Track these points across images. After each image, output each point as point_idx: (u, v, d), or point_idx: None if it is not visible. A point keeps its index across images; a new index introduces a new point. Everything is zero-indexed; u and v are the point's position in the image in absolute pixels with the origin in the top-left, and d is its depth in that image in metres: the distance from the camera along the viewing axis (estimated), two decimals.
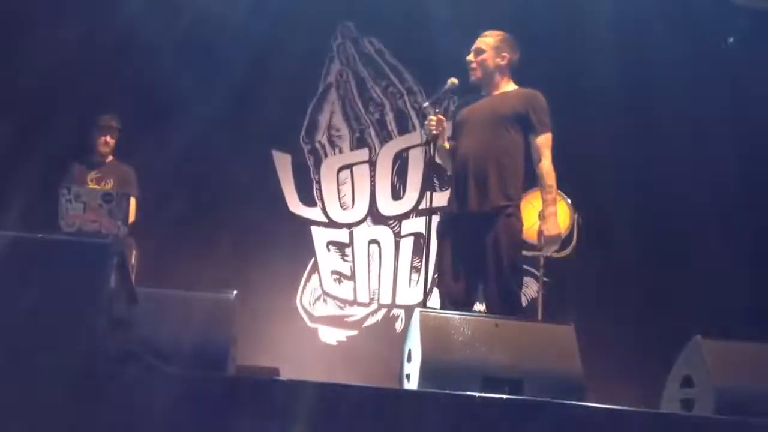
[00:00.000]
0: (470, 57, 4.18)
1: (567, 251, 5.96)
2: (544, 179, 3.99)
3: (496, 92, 4.16)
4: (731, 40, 6.45)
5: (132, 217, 5.52)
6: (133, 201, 5.56)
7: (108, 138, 5.68)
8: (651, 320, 6.02)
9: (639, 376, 5.67)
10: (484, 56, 4.15)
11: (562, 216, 5.92)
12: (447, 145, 4.16)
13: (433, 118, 4.03)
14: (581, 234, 5.92)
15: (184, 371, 2.42)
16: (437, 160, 4.21)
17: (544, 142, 4.04)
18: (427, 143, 4.05)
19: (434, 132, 4.02)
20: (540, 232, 3.95)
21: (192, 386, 2.27)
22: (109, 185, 5.54)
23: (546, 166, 4.00)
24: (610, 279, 6.18)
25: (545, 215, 3.97)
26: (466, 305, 3.87)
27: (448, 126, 4.21)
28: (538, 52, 6.20)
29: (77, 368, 2.20)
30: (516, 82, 4.22)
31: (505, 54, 4.16)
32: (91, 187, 5.42)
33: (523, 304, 6.33)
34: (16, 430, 2.07)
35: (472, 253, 3.91)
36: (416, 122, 6.49)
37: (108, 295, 2.39)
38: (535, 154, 4.03)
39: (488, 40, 4.19)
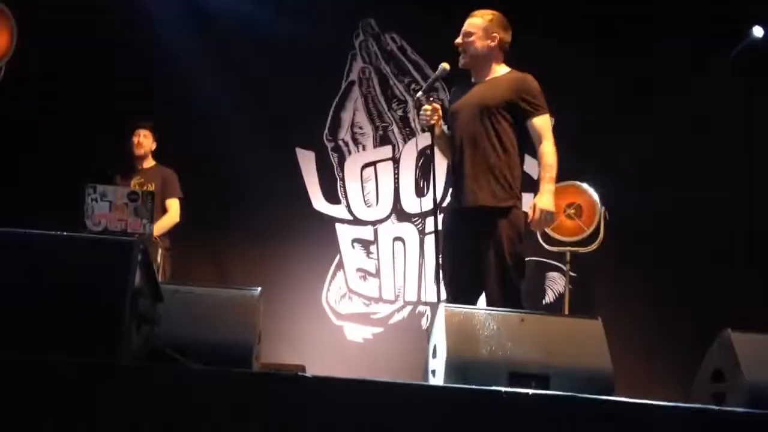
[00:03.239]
0: (458, 40, 3.96)
1: (594, 246, 5.92)
2: (544, 159, 3.77)
3: (488, 77, 3.94)
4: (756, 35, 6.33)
5: (177, 218, 5.60)
6: (177, 202, 5.66)
7: (139, 139, 5.68)
8: (680, 313, 5.96)
9: (668, 370, 5.62)
10: (471, 39, 3.91)
11: (588, 210, 5.91)
12: (445, 131, 4.00)
13: (428, 107, 3.89)
14: (608, 228, 5.87)
15: (208, 368, 2.42)
16: (437, 151, 4.03)
17: (541, 123, 3.82)
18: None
19: (430, 122, 3.90)
20: (534, 205, 3.74)
21: (216, 383, 2.26)
22: (151, 188, 5.55)
23: (546, 147, 3.78)
24: (637, 272, 6.12)
25: (541, 191, 3.75)
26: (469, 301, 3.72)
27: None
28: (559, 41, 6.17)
29: (102, 366, 2.21)
30: (509, 64, 4.00)
31: (495, 35, 3.92)
32: (125, 186, 5.39)
33: (551, 299, 6.35)
34: (37, 428, 2.08)
35: (474, 250, 3.79)
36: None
37: (132, 293, 2.39)
38: (535, 137, 3.83)
39: (476, 20, 3.94)
